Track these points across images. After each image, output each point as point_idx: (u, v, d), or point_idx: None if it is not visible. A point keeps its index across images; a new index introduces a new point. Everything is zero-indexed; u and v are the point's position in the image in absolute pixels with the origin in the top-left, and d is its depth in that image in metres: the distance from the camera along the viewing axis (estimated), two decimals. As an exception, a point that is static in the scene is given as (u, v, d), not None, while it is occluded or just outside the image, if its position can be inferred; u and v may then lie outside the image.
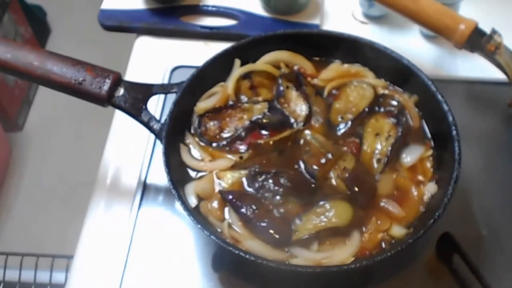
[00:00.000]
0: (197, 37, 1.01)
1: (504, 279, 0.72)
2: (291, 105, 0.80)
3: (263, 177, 0.72)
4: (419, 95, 0.80)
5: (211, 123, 0.79)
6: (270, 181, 0.72)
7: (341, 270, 0.65)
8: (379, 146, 0.76)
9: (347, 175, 0.73)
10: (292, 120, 0.79)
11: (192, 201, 0.72)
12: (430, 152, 0.77)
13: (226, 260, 0.71)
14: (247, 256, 0.63)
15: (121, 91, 0.75)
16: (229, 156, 0.76)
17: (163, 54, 0.99)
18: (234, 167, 0.75)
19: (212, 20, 1.02)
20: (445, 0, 0.86)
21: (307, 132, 0.77)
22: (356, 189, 0.72)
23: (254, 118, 0.78)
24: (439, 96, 0.75)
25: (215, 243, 0.65)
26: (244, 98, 0.81)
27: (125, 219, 0.79)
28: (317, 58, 0.85)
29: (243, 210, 0.70)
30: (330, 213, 0.70)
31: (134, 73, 0.96)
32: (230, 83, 0.81)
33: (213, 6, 1.03)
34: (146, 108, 0.75)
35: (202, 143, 0.78)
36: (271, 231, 0.69)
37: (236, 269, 0.72)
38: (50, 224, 1.80)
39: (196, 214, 0.70)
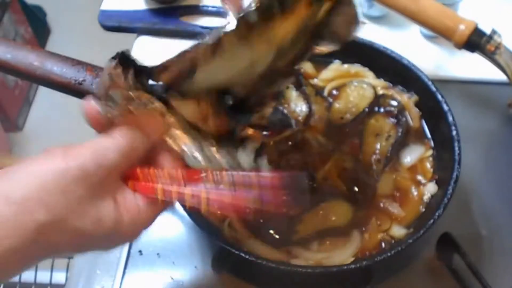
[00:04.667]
0: (197, 37, 1.01)
1: (504, 279, 0.72)
2: (291, 105, 0.80)
3: (263, 177, 0.72)
4: (419, 95, 0.80)
5: (211, 124, 0.79)
6: (270, 181, 0.72)
7: (341, 270, 0.65)
8: (379, 146, 0.76)
9: (347, 175, 0.73)
10: (292, 120, 0.79)
11: (192, 201, 0.72)
12: (430, 152, 0.77)
13: (226, 261, 0.71)
14: (247, 257, 0.63)
15: (121, 91, 0.75)
16: (229, 156, 0.76)
17: (163, 54, 0.99)
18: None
19: (212, 20, 1.02)
20: (445, 0, 0.86)
21: (307, 132, 0.77)
22: (356, 189, 0.72)
23: (254, 118, 0.78)
24: (439, 96, 0.75)
25: (215, 244, 0.65)
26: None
27: (125, 219, 0.79)
28: (317, 58, 0.85)
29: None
30: (330, 213, 0.70)
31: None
32: (230, 83, 0.81)
33: (213, 6, 1.03)
34: (146, 108, 0.75)
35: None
36: (271, 231, 0.69)
37: (236, 270, 0.72)
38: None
39: (196, 214, 0.70)
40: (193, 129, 0.60)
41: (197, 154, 0.58)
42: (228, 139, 0.63)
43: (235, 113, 0.64)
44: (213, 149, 0.61)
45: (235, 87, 0.63)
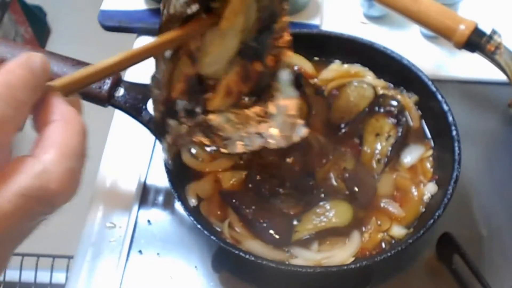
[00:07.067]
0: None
1: (504, 279, 0.72)
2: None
3: (263, 177, 0.72)
4: (419, 95, 0.80)
5: (211, 123, 0.79)
6: (270, 181, 0.72)
7: (341, 270, 0.65)
8: (379, 146, 0.76)
9: (347, 175, 0.73)
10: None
11: (192, 201, 0.72)
12: (430, 152, 0.77)
13: (226, 260, 0.71)
14: (247, 256, 0.63)
15: (121, 91, 0.75)
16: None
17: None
18: (234, 167, 0.75)
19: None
20: (445, 0, 0.86)
21: (307, 132, 0.77)
22: (356, 189, 0.72)
23: (254, 118, 0.78)
24: (439, 96, 0.75)
25: (215, 243, 0.65)
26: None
27: (125, 219, 0.79)
28: (317, 58, 0.85)
29: (243, 210, 0.70)
30: (330, 213, 0.70)
31: (134, 73, 0.96)
32: (230, 83, 0.81)
33: (213, 6, 1.03)
34: (146, 108, 0.75)
35: (202, 143, 0.78)
36: (271, 231, 0.69)
37: (236, 269, 0.72)
38: (50, 224, 1.79)
39: (196, 214, 0.70)
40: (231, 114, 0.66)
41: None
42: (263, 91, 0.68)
43: (258, 43, 0.67)
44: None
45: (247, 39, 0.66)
